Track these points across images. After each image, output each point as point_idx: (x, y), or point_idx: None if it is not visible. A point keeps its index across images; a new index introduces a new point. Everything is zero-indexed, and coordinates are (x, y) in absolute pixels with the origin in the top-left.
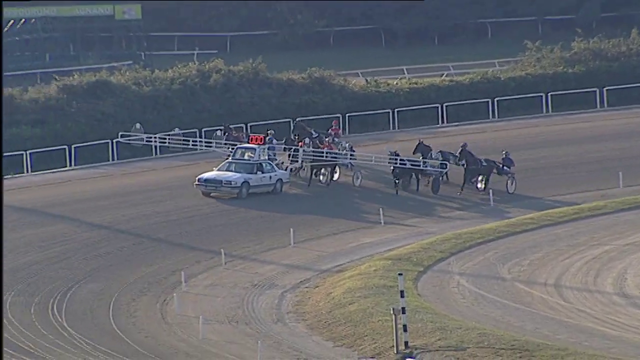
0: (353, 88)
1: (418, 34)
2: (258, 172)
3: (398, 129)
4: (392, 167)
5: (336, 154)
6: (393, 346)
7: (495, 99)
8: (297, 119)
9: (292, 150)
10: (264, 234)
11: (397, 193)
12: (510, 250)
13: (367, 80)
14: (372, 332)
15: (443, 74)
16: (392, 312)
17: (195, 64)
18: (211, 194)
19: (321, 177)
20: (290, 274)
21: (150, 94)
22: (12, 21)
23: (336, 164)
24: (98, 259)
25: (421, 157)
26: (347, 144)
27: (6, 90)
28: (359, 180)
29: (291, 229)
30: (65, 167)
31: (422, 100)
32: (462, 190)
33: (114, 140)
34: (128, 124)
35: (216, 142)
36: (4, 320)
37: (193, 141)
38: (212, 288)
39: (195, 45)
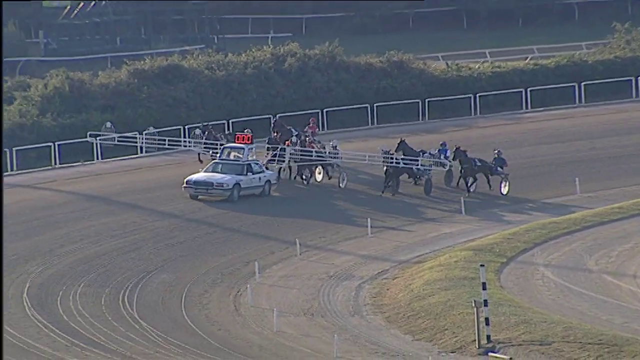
0: (433, 72)
1: (501, 16)
2: (248, 173)
3: (480, 114)
4: (385, 167)
5: (322, 153)
6: (475, 340)
7: (582, 84)
8: (277, 116)
9: (279, 149)
10: (340, 224)
11: (382, 194)
12: (597, 241)
13: (447, 64)
14: (453, 325)
15: (527, 57)
16: (473, 304)
17: (269, 47)
18: (199, 197)
19: (317, 175)
20: (368, 265)
21: (223, 78)
22: (81, 4)
23: (323, 164)
24: (170, 249)
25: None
26: (332, 143)
27: (76, 75)
28: (344, 182)
29: (368, 219)
30: (136, 154)
31: (505, 84)
32: (468, 191)
33: (186, 127)
34: (201, 109)
35: (194, 142)
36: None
37: (170, 141)
38: (287, 279)
39: (270, 28)
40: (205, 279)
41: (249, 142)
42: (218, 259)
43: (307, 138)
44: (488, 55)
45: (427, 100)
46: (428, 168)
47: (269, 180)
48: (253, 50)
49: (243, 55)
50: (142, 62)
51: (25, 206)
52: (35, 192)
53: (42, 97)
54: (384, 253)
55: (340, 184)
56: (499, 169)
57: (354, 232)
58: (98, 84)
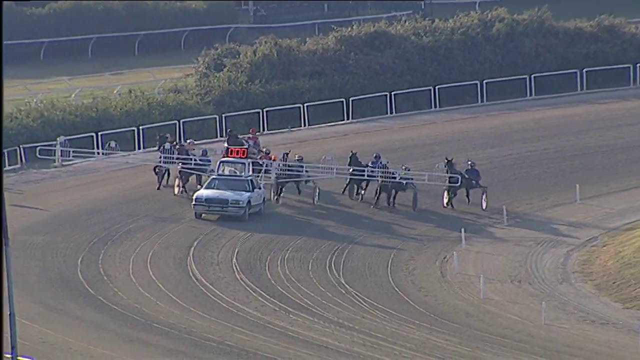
0: None
1: None
2: (254, 190)
3: None
4: (381, 182)
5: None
6: None
7: None
8: (229, 130)
9: (265, 165)
10: (548, 190)
11: (374, 205)
12: None
13: None
14: None
15: None
16: None
17: (477, 12)
18: (202, 216)
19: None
20: (576, 232)
21: (430, 44)
22: None
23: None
24: (376, 215)
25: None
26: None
27: (284, 41)
28: (317, 197)
29: (577, 185)
30: (343, 120)
31: None
32: (469, 201)
33: (392, 93)
34: (407, 76)
35: (164, 157)
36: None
37: (134, 155)
38: (494, 246)
39: None
40: (411, 245)
41: (245, 155)
42: (423, 226)
43: (257, 149)
44: None
45: (638, 65)
46: (410, 181)
47: (264, 197)
48: (460, 16)
49: (450, 21)
50: (349, 29)
51: None
52: None
53: (250, 64)
54: (592, 220)
55: (315, 200)
56: (474, 182)
57: (561, 198)
58: (305, 51)
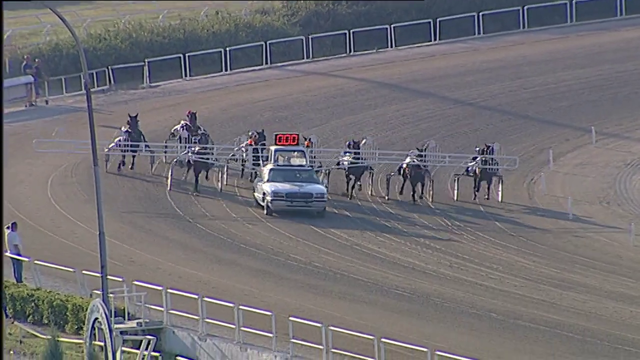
0: None
1: None
2: (323, 181)
3: None
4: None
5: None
6: None
7: None
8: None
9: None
10: (637, 110)
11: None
12: None
13: None
14: None
15: None
16: None
17: None
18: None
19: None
20: None
21: None
22: None
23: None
24: (463, 137)
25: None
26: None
27: None
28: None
29: None
30: (430, 41)
31: None
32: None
33: (480, 13)
34: None
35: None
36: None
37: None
38: (582, 167)
39: None
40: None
41: (296, 143)
42: (512, 147)
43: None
44: None
45: None
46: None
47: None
48: None
49: None
50: None
51: (321, 94)
52: (330, 80)
53: None
54: None
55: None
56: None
57: None
58: None
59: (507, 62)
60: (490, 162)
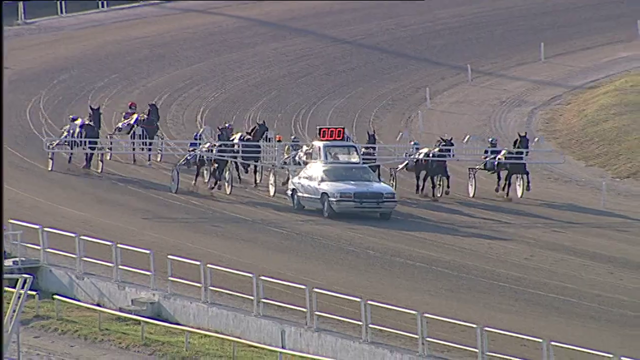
0: None
1: None
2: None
3: None
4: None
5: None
6: None
7: None
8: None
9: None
10: (512, 49)
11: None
12: None
13: None
14: (628, 151)
15: None
16: None
17: None
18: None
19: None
20: (540, 91)
21: None
22: None
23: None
24: (341, 75)
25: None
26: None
27: None
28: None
29: (541, 43)
30: None
31: None
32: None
33: None
34: None
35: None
36: None
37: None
38: (458, 105)
39: None
40: (376, 104)
41: (341, 137)
42: (389, 85)
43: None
44: None
45: None
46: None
47: None
48: None
49: None
50: None
51: (199, 31)
52: (208, 17)
53: None
54: (557, 78)
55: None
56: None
57: (526, 57)
58: None
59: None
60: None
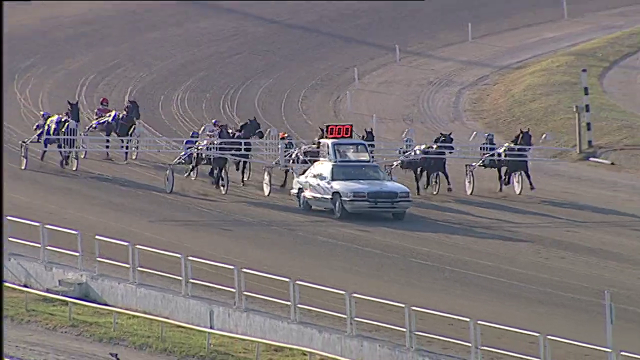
0: None
1: None
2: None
3: None
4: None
5: None
6: (576, 145)
7: None
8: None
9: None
10: (439, 29)
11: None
12: None
13: None
14: (554, 130)
15: None
16: (575, 110)
17: None
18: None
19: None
20: (468, 71)
21: None
22: None
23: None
24: (269, 55)
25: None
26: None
27: None
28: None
29: (469, 24)
30: None
31: None
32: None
33: None
34: None
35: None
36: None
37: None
38: (386, 85)
39: None
40: (304, 84)
41: (350, 135)
42: (317, 65)
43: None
44: None
45: None
46: None
47: None
48: None
49: None
50: None
51: (123, 9)
52: None
53: None
54: (484, 58)
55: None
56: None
57: (453, 37)
58: None
59: None
60: (523, 150)
